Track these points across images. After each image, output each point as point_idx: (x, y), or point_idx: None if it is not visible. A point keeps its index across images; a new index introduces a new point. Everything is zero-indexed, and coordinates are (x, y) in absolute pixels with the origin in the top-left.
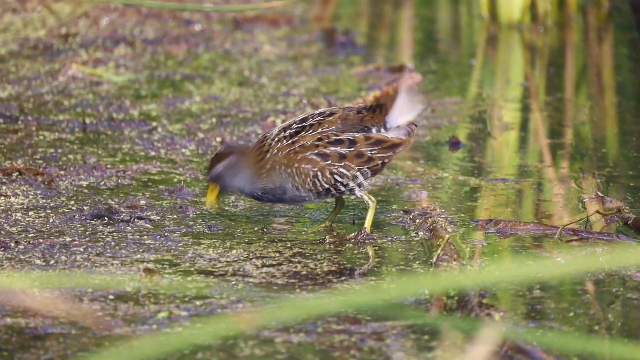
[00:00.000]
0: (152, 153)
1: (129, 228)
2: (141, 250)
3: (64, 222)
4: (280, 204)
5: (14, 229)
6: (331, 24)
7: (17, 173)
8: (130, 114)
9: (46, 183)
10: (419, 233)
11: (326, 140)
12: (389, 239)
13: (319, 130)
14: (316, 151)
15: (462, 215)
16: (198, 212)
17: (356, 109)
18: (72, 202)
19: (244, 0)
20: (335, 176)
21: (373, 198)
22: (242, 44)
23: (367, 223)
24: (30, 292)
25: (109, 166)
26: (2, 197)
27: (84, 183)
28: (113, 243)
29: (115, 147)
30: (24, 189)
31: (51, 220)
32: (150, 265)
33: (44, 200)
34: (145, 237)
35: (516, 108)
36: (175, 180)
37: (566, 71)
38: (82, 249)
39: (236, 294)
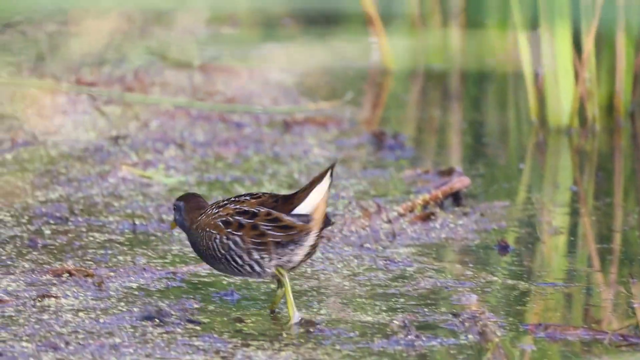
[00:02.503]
0: None
1: (179, 330)
2: (190, 351)
3: (114, 323)
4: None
5: (64, 329)
6: (380, 127)
7: (67, 274)
8: None
9: (96, 284)
10: (468, 336)
11: (235, 210)
12: (438, 341)
13: (238, 206)
14: (224, 218)
15: (511, 319)
16: (248, 315)
17: (274, 198)
18: (122, 304)
19: (293, 102)
20: (230, 243)
21: (286, 278)
22: (291, 146)
23: (288, 306)
24: None
25: (158, 268)
26: (53, 298)
27: (134, 285)
28: (162, 344)
29: (165, 249)
30: (74, 290)
31: (101, 321)
32: None
33: (94, 302)
34: (194, 338)
35: (565, 212)
36: (224, 282)
37: (615, 176)
38: (131, 350)
39: None
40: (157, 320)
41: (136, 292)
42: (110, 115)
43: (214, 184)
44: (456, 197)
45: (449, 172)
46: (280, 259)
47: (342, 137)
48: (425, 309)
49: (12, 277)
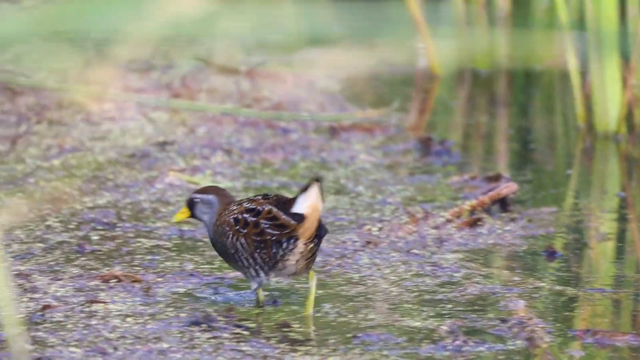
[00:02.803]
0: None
1: (226, 335)
2: (238, 356)
3: (162, 329)
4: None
5: (112, 335)
6: (427, 133)
7: (115, 280)
8: None
9: (144, 290)
10: (516, 342)
11: (245, 208)
12: (486, 347)
13: (248, 205)
14: (235, 215)
15: (559, 325)
16: (294, 320)
17: (277, 199)
18: (170, 309)
19: (339, 108)
20: (238, 244)
21: (262, 298)
22: (338, 152)
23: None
24: None
25: (206, 273)
26: (101, 304)
27: (182, 290)
28: (210, 349)
29: (212, 254)
30: (122, 295)
31: (149, 327)
32: None
33: (142, 307)
34: (242, 343)
35: (612, 219)
36: (271, 288)
37: None
38: (179, 355)
39: None
40: (205, 326)
41: (184, 298)
42: (157, 122)
43: (261, 189)
44: (503, 203)
45: (496, 178)
46: (275, 265)
47: (389, 143)
48: (473, 315)
49: (61, 282)
